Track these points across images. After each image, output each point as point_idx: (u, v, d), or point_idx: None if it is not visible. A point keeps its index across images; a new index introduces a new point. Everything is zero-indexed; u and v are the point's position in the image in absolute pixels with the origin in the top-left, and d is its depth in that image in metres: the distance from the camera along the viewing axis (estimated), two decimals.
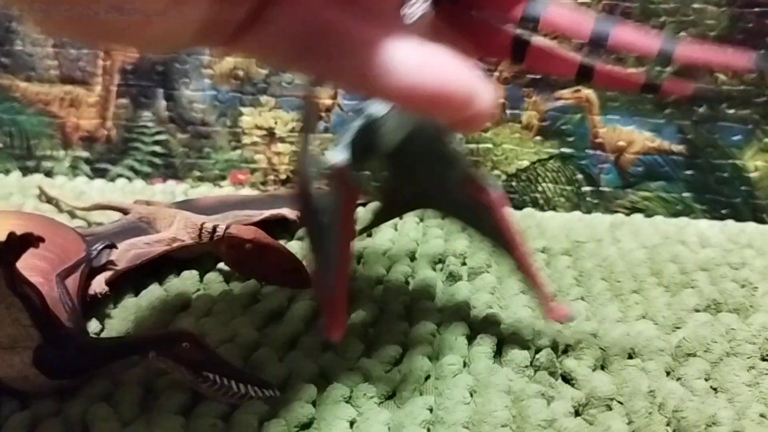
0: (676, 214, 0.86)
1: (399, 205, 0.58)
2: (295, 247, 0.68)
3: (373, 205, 0.61)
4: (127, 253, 0.62)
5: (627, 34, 0.40)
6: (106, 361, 0.47)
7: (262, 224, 0.68)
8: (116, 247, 0.61)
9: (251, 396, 0.45)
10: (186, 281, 0.63)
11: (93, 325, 0.55)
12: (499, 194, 0.46)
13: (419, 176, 0.47)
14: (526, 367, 0.50)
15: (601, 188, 0.88)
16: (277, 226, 0.72)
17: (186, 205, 0.73)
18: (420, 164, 0.49)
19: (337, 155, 0.45)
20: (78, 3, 0.22)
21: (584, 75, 0.42)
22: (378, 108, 0.46)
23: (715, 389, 0.49)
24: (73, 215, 0.78)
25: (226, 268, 0.64)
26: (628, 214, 0.86)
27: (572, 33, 0.40)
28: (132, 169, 0.92)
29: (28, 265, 0.46)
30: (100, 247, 0.60)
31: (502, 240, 0.47)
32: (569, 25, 0.40)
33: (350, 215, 0.45)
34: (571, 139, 0.86)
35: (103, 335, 0.54)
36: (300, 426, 0.44)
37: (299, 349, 0.52)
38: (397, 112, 0.46)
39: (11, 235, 0.41)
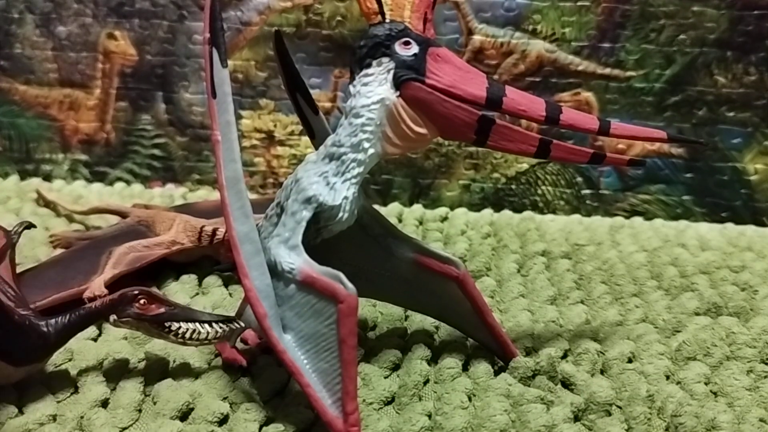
0: (675, 217, 0.86)
1: None
2: None
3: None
4: (125, 256, 0.62)
5: (572, 114, 0.44)
6: (68, 337, 0.47)
7: None
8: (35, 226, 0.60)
9: (220, 333, 0.46)
10: (185, 285, 0.63)
11: (91, 330, 0.55)
12: (464, 271, 0.49)
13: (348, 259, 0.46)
14: (526, 371, 0.50)
15: (600, 191, 0.87)
16: None
17: (185, 208, 0.73)
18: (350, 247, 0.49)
19: (296, 258, 0.42)
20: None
21: (543, 150, 0.45)
22: (326, 195, 0.44)
23: (714, 393, 0.49)
24: (71, 219, 0.78)
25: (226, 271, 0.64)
26: (627, 217, 0.86)
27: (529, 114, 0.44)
28: (131, 172, 0.92)
29: None
30: (20, 229, 0.58)
31: (472, 308, 0.50)
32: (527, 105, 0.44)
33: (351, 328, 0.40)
34: (570, 141, 0.86)
35: (101, 339, 0.54)
36: (299, 431, 0.44)
37: None
38: (351, 197, 0.44)
39: None
